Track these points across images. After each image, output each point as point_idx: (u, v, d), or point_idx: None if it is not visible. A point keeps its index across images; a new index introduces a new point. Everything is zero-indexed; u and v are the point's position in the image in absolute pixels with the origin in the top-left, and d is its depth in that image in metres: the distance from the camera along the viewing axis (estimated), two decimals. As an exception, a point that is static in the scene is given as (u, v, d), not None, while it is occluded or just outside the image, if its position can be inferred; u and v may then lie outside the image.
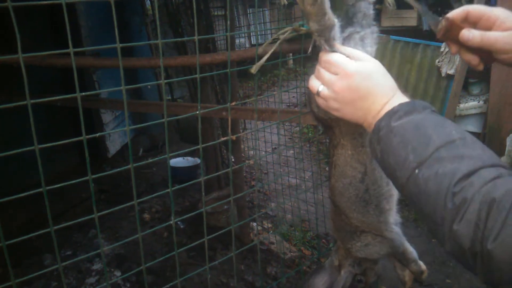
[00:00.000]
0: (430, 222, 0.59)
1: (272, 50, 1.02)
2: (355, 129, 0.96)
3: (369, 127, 0.75)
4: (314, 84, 0.83)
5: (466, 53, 0.77)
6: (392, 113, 0.68)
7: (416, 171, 0.60)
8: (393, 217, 1.11)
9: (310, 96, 0.96)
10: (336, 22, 0.83)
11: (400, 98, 0.73)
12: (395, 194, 1.07)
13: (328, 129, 1.02)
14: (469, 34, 0.72)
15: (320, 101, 0.83)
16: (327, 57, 0.81)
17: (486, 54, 0.74)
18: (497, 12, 0.72)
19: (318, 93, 0.82)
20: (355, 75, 0.76)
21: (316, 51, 0.87)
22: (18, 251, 2.83)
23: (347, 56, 0.79)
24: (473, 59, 0.77)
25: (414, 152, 0.61)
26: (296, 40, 1.63)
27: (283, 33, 1.00)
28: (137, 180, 0.96)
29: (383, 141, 0.67)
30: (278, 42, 1.02)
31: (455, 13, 0.75)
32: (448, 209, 0.55)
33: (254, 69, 0.98)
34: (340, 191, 1.05)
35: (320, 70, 0.82)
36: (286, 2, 0.99)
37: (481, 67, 0.79)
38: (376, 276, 1.23)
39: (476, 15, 0.74)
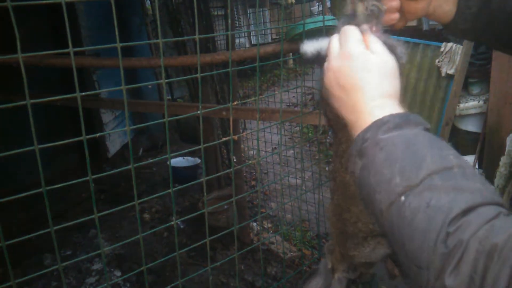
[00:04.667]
0: (410, 261, 0.48)
1: None
2: None
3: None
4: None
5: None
6: (381, 124, 0.56)
7: (402, 197, 0.49)
8: None
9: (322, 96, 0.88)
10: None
11: (393, 108, 0.59)
12: None
13: (339, 132, 0.88)
14: None
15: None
16: (347, 27, 0.67)
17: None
18: None
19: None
20: (352, 59, 0.63)
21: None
22: (18, 251, 2.83)
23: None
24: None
25: (401, 174, 0.50)
26: (296, 40, 1.63)
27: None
28: (137, 180, 0.96)
29: (366, 155, 0.56)
30: None
31: None
32: (439, 253, 0.44)
33: None
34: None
35: (333, 39, 0.68)
36: (294, 1, 0.92)
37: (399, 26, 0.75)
38: (370, 276, 1.21)
39: None
